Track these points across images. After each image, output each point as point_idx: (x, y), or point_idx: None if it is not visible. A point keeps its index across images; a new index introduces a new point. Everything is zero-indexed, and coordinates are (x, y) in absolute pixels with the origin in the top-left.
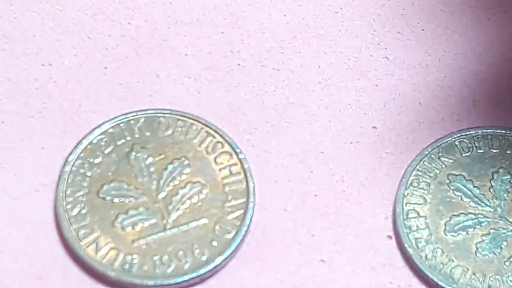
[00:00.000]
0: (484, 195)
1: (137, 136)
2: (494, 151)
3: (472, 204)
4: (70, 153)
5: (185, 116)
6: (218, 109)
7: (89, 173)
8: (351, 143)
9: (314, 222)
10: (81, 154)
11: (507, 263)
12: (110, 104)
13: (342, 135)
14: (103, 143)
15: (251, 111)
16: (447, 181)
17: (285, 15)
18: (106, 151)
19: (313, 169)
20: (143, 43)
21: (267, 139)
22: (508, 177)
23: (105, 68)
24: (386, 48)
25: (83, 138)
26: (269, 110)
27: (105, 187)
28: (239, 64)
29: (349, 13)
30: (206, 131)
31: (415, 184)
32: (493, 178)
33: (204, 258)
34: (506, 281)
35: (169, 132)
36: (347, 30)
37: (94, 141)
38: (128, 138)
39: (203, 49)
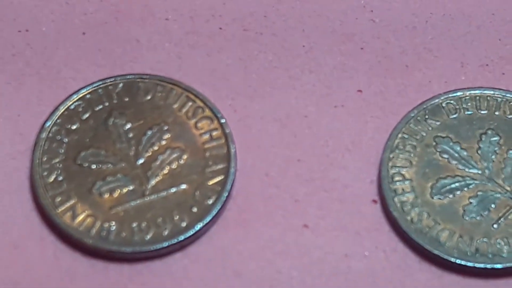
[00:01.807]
0: (471, 157)
1: (115, 101)
2: (482, 112)
3: (460, 166)
4: (46, 120)
5: (164, 81)
6: (199, 74)
7: (66, 140)
8: (336, 107)
9: (298, 188)
10: (58, 121)
11: (495, 226)
12: (89, 70)
13: (327, 99)
14: (80, 109)
15: (233, 76)
16: (434, 144)
17: None
18: (84, 117)
19: (297, 133)
20: (123, 8)
21: (250, 104)
22: (497, 138)
23: (84, 34)
24: (372, 11)
25: (60, 104)
26: (252, 74)
27: (83, 153)
28: (221, 29)
29: None
30: (186, 96)
31: (401, 147)
32: (481, 139)
33: (183, 224)
34: (494, 243)
35: (149, 97)
36: None
37: (71, 107)
38: (106, 104)
39: (184, 14)
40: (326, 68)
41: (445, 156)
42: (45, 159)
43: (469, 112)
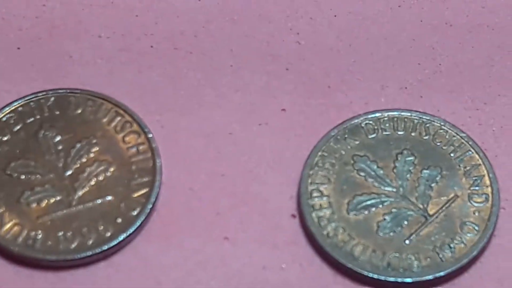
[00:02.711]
0: (387, 175)
1: (46, 114)
2: (399, 133)
3: (376, 184)
4: None
5: (95, 96)
6: (129, 90)
7: None
8: (260, 124)
9: (220, 201)
10: None
11: (407, 241)
12: (22, 84)
13: (252, 117)
14: (12, 121)
15: (162, 92)
16: (352, 162)
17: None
18: (15, 129)
19: (221, 149)
20: (58, 24)
21: (177, 120)
22: (412, 158)
23: (18, 48)
24: (298, 34)
25: None
26: (180, 91)
27: (12, 164)
28: (152, 47)
29: (263, 0)
30: (116, 111)
31: (320, 165)
32: (397, 159)
33: (108, 234)
34: (406, 258)
35: (79, 111)
36: (260, 15)
37: (3, 119)
38: (38, 117)
39: (117, 32)
40: (252, 87)
41: (362, 174)
42: None
43: (386, 133)
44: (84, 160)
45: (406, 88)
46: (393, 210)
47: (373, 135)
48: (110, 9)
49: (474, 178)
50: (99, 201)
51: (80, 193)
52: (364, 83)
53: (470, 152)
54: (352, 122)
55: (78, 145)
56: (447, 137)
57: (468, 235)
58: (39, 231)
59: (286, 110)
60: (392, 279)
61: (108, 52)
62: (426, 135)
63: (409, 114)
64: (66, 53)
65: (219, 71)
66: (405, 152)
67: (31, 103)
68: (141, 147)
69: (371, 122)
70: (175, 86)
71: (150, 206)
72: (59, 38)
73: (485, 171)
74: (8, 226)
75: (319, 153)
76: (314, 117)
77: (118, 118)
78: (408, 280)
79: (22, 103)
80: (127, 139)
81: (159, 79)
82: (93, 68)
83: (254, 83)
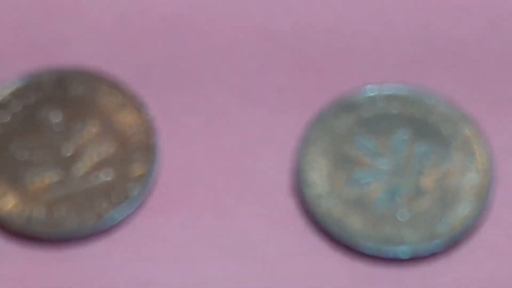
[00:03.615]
0: (382, 151)
1: (45, 95)
2: (395, 109)
3: (371, 159)
4: None
5: (93, 75)
6: (127, 68)
7: None
8: (255, 102)
9: (217, 178)
10: None
11: (402, 215)
12: (20, 64)
13: (247, 95)
14: (11, 103)
15: (159, 72)
16: (347, 138)
17: None
18: (15, 111)
19: (218, 128)
20: (55, 3)
21: (175, 99)
22: (407, 134)
23: (14, 28)
24: (293, 12)
25: None
26: (177, 71)
27: (13, 144)
28: (150, 27)
29: None
30: (114, 90)
31: (315, 141)
32: (392, 135)
33: (108, 212)
34: (401, 232)
35: (77, 91)
36: None
37: (2, 101)
38: (37, 97)
39: (115, 11)
40: (248, 66)
41: (358, 150)
42: None
43: (382, 109)
44: (83, 140)
45: (402, 64)
46: (389, 185)
47: (369, 112)
48: None
49: (468, 152)
50: (98, 180)
51: (80, 172)
52: (360, 60)
53: (465, 127)
54: (348, 98)
55: (77, 125)
56: (442, 112)
57: (463, 209)
58: (41, 209)
59: (281, 88)
60: (388, 252)
61: (106, 31)
62: (421, 111)
63: (404, 89)
64: (63, 32)
65: (215, 51)
66: (400, 128)
67: (30, 84)
68: (139, 127)
69: (366, 98)
70: (172, 65)
71: (149, 184)
72: (56, 17)
73: (480, 146)
74: (10, 205)
75: (314, 129)
76: (309, 94)
77: (116, 97)
78: (404, 253)
79: (20, 85)
80: (125, 118)
81: (156, 58)
82: (91, 47)
83: (250, 61)
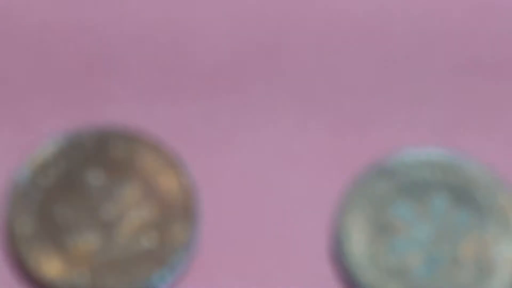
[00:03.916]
0: (421, 218)
1: (86, 155)
2: (432, 175)
3: (410, 227)
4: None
5: (133, 136)
6: (167, 127)
7: (36, 194)
8: (293, 163)
9: (256, 243)
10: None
11: (441, 285)
12: (61, 122)
13: (285, 155)
14: (52, 162)
15: (198, 129)
16: (385, 204)
17: None
18: (56, 170)
19: (256, 189)
20: (96, 60)
21: (213, 159)
22: (444, 201)
23: (57, 85)
24: (330, 72)
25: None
26: (215, 129)
27: (55, 206)
28: (189, 82)
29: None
30: (154, 151)
31: (354, 207)
32: (430, 202)
33: (150, 278)
34: None
35: (117, 151)
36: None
37: (45, 159)
38: (78, 157)
39: (154, 67)
40: (285, 124)
41: (396, 217)
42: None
43: (419, 175)
44: (124, 202)
45: (439, 127)
46: (427, 254)
47: (406, 177)
48: (148, 44)
49: (503, 223)
50: (140, 245)
51: (122, 236)
52: (397, 121)
53: (504, 195)
54: (385, 163)
55: (118, 187)
56: (479, 179)
57: (497, 281)
58: (84, 276)
59: (318, 148)
60: None
61: (146, 88)
62: (458, 177)
63: (441, 155)
64: (104, 89)
65: (253, 109)
66: (438, 195)
67: (72, 144)
68: (181, 189)
69: (403, 163)
70: (210, 123)
71: (190, 251)
72: (97, 74)
73: None
74: (55, 271)
75: (352, 195)
76: (346, 154)
77: (157, 159)
78: None
79: (62, 145)
80: (166, 181)
81: (195, 116)
82: (132, 104)
83: (287, 120)
